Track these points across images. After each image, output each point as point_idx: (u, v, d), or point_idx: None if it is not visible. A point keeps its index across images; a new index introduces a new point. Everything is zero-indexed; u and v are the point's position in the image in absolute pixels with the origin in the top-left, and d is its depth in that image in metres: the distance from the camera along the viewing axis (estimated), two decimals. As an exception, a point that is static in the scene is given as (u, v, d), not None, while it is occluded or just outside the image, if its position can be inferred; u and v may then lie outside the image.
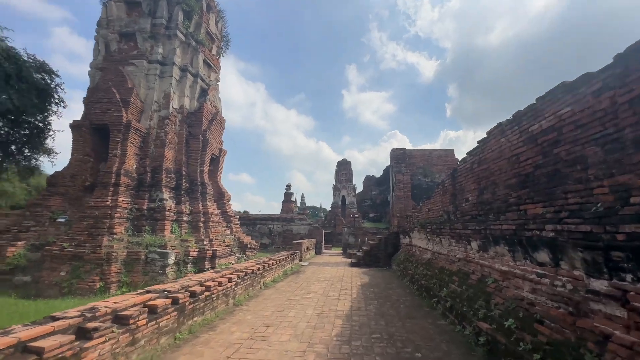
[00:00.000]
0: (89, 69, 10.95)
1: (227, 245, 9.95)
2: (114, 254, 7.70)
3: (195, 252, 8.61)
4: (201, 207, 10.15)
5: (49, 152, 13.04)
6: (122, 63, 10.45)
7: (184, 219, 9.47)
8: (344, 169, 51.51)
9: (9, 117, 11.42)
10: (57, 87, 11.97)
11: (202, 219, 9.90)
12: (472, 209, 5.80)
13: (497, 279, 4.66)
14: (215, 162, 12.44)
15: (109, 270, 7.56)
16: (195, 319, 5.02)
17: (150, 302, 4.16)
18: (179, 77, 11.02)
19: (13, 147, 12.40)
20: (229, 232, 11.52)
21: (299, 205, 53.21)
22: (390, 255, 14.46)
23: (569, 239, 2.95)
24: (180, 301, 4.64)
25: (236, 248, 11.28)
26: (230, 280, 6.49)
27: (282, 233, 23.11)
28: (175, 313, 4.47)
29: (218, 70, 13.27)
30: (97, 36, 10.98)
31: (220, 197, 12.04)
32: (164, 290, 4.68)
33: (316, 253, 21.79)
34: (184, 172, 10.59)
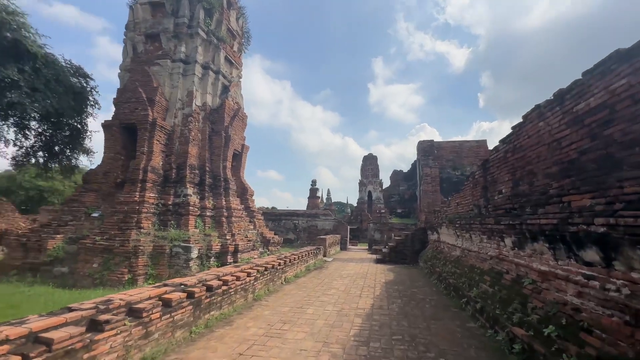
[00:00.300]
0: (119, 71, 11.43)
1: (249, 240, 10.01)
2: (141, 248, 7.98)
3: (217, 247, 8.73)
4: (224, 203, 10.28)
5: (87, 151, 13.87)
6: (148, 63, 10.78)
7: (207, 214, 9.64)
8: (369, 163, 50.68)
9: (51, 120, 12.27)
10: (92, 90, 12.65)
11: (225, 214, 10.02)
12: (506, 202, 5.26)
13: (535, 279, 4.16)
14: (238, 157, 12.57)
15: (137, 263, 7.85)
16: (212, 313, 4.99)
17: (166, 296, 4.16)
18: (201, 75, 11.19)
19: (56, 147, 13.33)
20: (252, 227, 11.60)
21: (324, 201, 53.22)
22: (417, 252, 13.89)
23: (626, 234, 2.48)
24: (196, 295, 4.62)
25: (259, 243, 11.34)
26: (249, 275, 6.44)
27: (307, 229, 23.11)
28: (190, 307, 4.45)
29: (240, 66, 13.35)
30: (125, 39, 11.43)
31: (244, 193, 12.16)
32: (181, 284, 4.68)
33: (341, 249, 21.58)
34: (207, 168, 10.78)
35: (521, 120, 4.84)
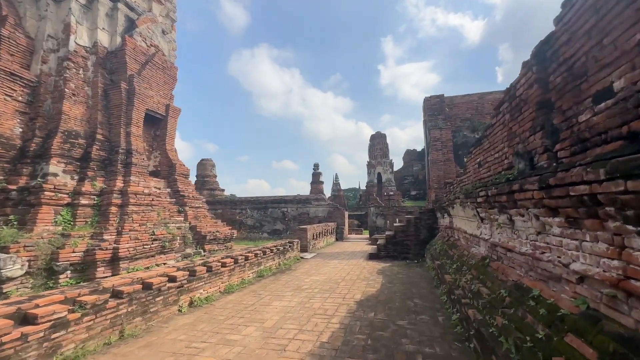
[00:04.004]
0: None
1: (156, 240, 6.60)
2: None
3: (71, 255, 5.32)
4: (121, 185, 6.88)
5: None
6: (5, -13, 7.31)
7: (82, 201, 6.27)
8: (378, 142, 46.27)
9: None
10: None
11: (117, 201, 6.60)
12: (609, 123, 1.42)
13: None
14: (161, 123, 9.06)
15: None
16: None
17: None
18: (87, 1, 7.63)
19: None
20: (180, 218, 8.18)
21: (332, 186, 49.46)
22: (424, 242, 10.09)
23: None
24: None
25: (190, 241, 7.93)
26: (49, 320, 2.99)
27: (298, 217, 19.63)
28: None
29: (166, 1, 9.69)
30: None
31: (171, 172, 8.73)
32: None
33: (337, 239, 18.02)
34: (99, 136, 7.36)
35: None
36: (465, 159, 6.59)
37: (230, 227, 10.27)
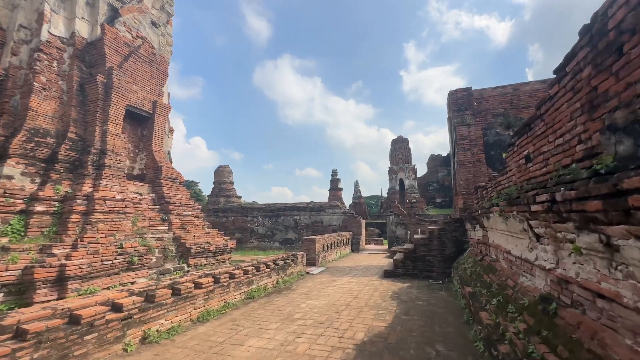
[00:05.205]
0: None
1: (123, 253, 5.56)
2: None
3: (6, 274, 4.32)
4: (87, 189, 5.96)
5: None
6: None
7: (38, 208, 5.36)
8: (399, 147, 44.34)
9: None
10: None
11: (80, 207, 5.66)
12: None
13: None
14: (148, 122, 8.18)
15: None
16: None
17: None
18: (63, -13, 6.95)
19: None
20: (164, 228, 7.17)
21: (353, 194, 47.78)
22: (451, 259, 8.46)
23: None
24: None
25: (173, 254, 6.87)
26: None
27: (311, 225, 18.35)
28: None
29: (158, -9, 8.95)
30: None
31: (156, 175, 7.79)
32: None
33: (352, 250, 16.53)
34: (72, 135, 6.55)
35: None
36: (504, 155, 5.06)
37: (228, 238, 9.18)
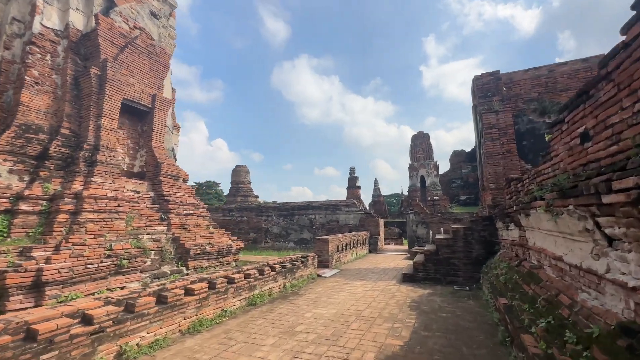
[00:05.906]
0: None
1: (111, 256, 5.12)
2: None
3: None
4: (77, 187, 5.59)
5: None
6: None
7: (24, 208, 5.02)
8: (420, 143, 42.76)
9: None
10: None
11: (68, 207, 5.28)
12: None
13: None
14: (147, 117, 7.79)
15: None
16: None
17: None
18: (57, -23, 6.66)
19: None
20: (163, 228, 6.73)
21: (372, 192, 46.58)
22: (479, 262, 7.49)
23: None
24: None
25: (171, 256, 6.41)
26: None
27: (326, 224, 17.67)
28: None
29: (159, -19, 8.56)
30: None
31: (155, 173, 7.38)
32: None
33: (370, 250, 15.67)
34: (65, 130, 6.23)
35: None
36: (547, 137, 4.12)
37: (235, 238, 8.66)
